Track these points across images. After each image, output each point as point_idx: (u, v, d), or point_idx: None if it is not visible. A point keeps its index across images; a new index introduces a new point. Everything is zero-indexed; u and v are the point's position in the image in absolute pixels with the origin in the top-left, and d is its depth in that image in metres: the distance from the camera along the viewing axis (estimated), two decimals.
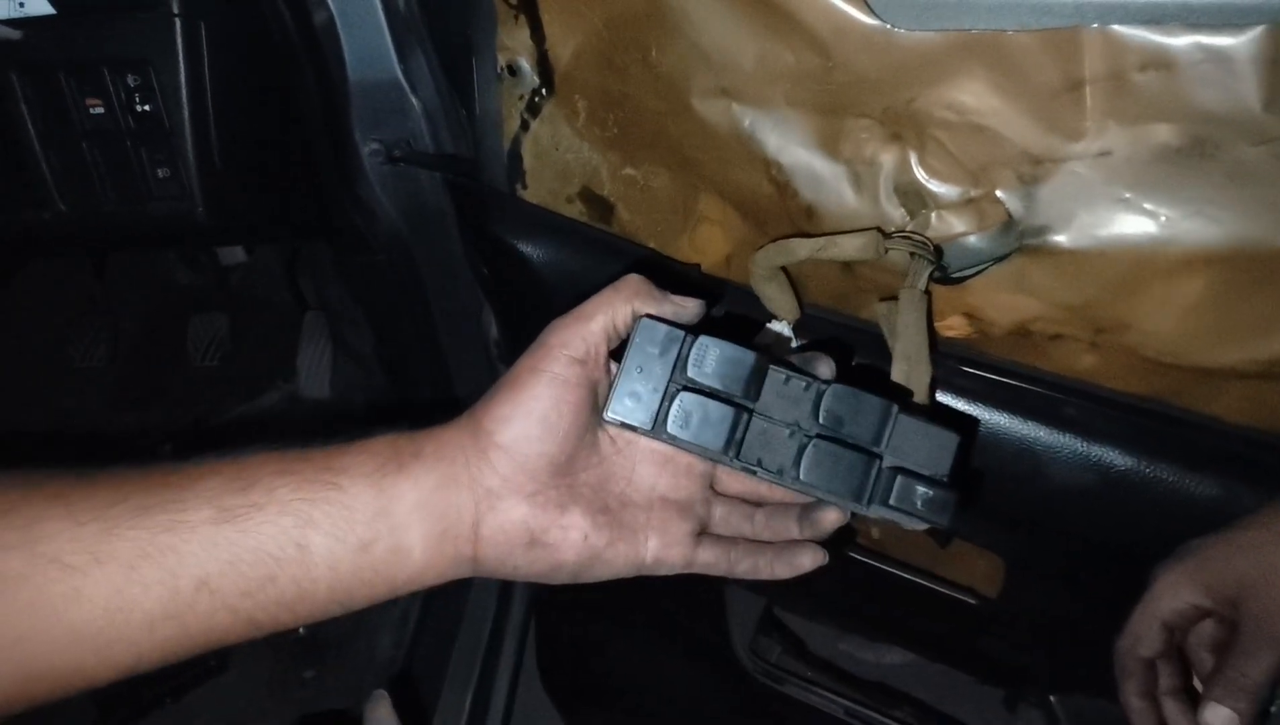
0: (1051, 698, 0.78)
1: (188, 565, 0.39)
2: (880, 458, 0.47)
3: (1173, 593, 0.54)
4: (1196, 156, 0.50)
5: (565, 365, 0.44)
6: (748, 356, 0.46)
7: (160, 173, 0.69)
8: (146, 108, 0.67)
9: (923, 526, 0.47)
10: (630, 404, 0.45)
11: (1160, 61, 0.48)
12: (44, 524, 0.38)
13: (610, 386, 0.46)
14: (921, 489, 0.45)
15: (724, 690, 0.95)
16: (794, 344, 0.62)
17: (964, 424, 0.59)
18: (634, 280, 0.47)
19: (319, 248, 1.24)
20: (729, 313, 0.67)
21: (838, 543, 0.78)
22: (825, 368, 0.49)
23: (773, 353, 0.48)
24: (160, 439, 1.16)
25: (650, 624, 1.06)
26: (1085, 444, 0.62)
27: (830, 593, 0.85)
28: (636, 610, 1.08)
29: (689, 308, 0.48)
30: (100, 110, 0.68)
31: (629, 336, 0.46)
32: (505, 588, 1.23)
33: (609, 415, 0.46)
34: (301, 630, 1.22)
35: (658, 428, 0.45)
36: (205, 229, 0.72)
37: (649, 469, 0.49)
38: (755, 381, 0.46)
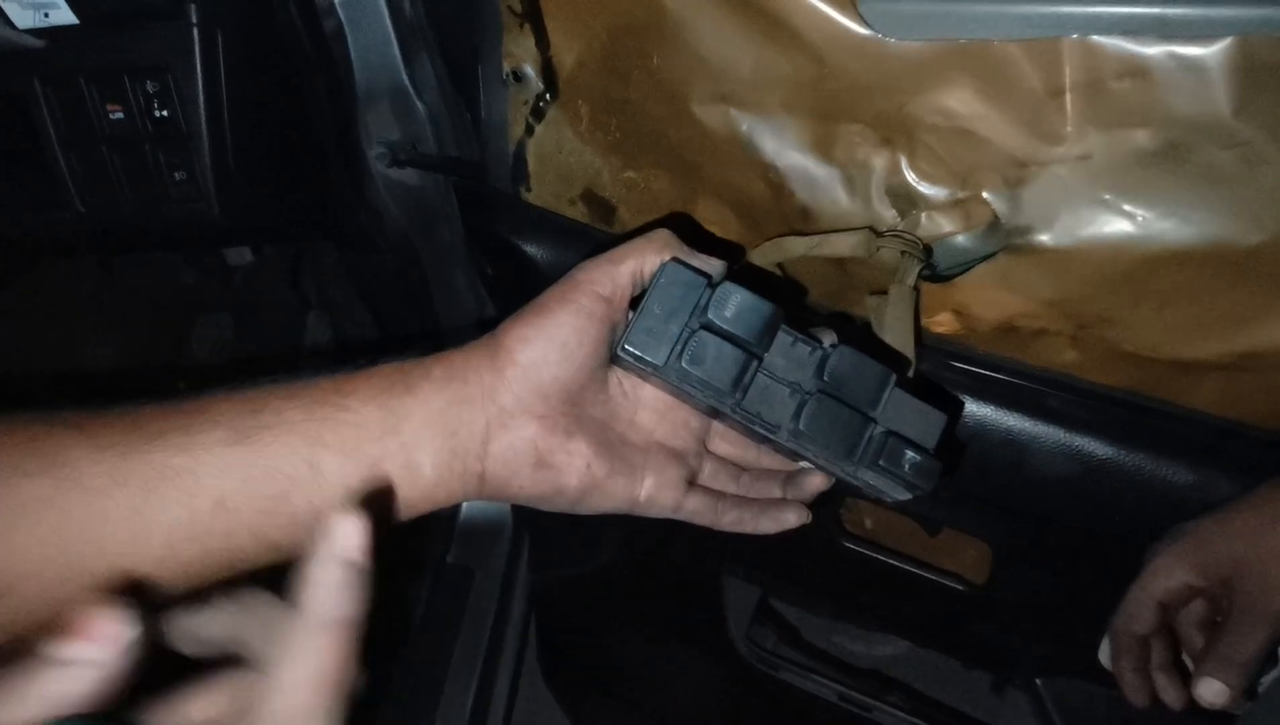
0: (1038, 682, 0.81)
1: (204, 485, 0.41)
2: (874, 422, 0.49)
3: (1167, 572, 0.57)
4: (1171, 160, 0.53)
5: (592, 300, 0.46)
6: (766, 307, 0.47)
7: (177, 176, 0.72)
8: (164, 113, 0.70)
9: (905, 495, 0.49)
10: (647, 340, 0.46)
11: (1136, 70, 0.51)
12: (65, 452, 0.40)
13: (628, 324, 0.47)
14: (910, 454, 0.47)
15: (722, 678, 0.97)
16: None
17: (950, 406, 0.62)
18: (664, 233, 0.49)
19: (322, 248, 1.26)
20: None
21: (831, 533, 0.80)
22: (829, 337, 0.51)
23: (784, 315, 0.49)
24: (175, 376, 1.19)
25: (649, 616, 1.08)
26: (1067, 434, 0.65)
27: (824, 582, 0.88)
28: (635, 603, 1.10)
29: (714, 266, 0.49)
30: (120, 115, 0.70)
31: (653, 279, 0.47)
32: (506, 584, 1.25)
33: (626, 348, 0.46)
34: None
35: (670, 362, 0.46)
36: (220, 230, 0.75)
37: (649, 416, 0.52)
38: (768, 333, 0.48)
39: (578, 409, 0.48)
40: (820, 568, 0.85)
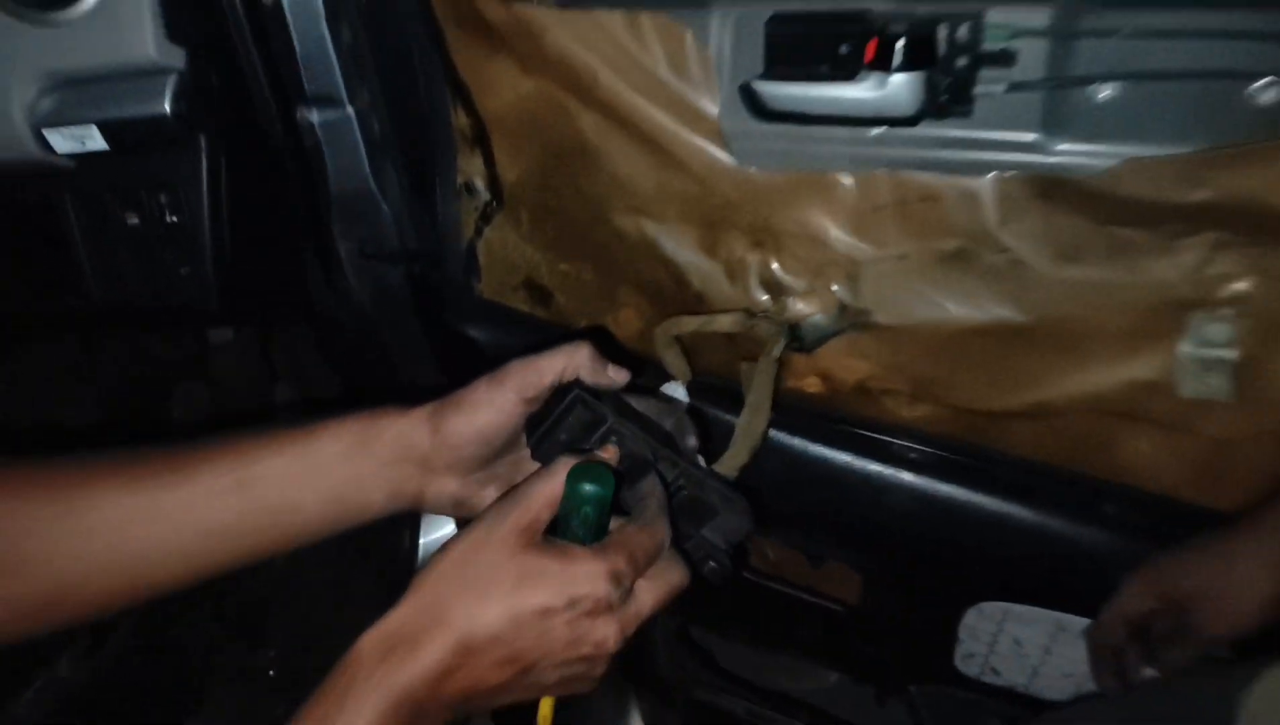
0: (911, 688, 0.96)
1: (211, 518, 0.57)
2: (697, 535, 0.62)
3: (1137, 599, 0.72)
4: (962, 260, 0.70)
5: (514, 403, 0.59)
6: (647, 463, 0.60)
7: (183, 270, 0.86)
8: (175, 219, 0.84)
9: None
10: (550, 454, 0.60)
11: (930, 196, 0.69)
12: (100, 493, 0.56)
13: (541, 429, 0.61)
14: (711, 564, 0.61)
15: (644, 696, 1.10)
16: (685, 399, 0.79)
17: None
18: (586, 352, 0.61)
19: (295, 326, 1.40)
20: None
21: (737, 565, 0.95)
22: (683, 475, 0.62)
23: (660, 447, 0.61)
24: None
25: None
26: (912, 477, 0.81)
27: (731, 608, 1.03)
28: None
29: (619, 380, 0.63)
30: (136, 221, 0.84)
31: (564, 406, 0.60)
32: None
33: (536, 457, 0.61)
34: (272, 671, 1.34)
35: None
36: (217, 315, 0.89)
37: None
38: (642, 475, 0.60)
39: (491, 468, 0.64)
40: (728, 596, 1.00)
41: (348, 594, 1.26)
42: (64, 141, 0.79)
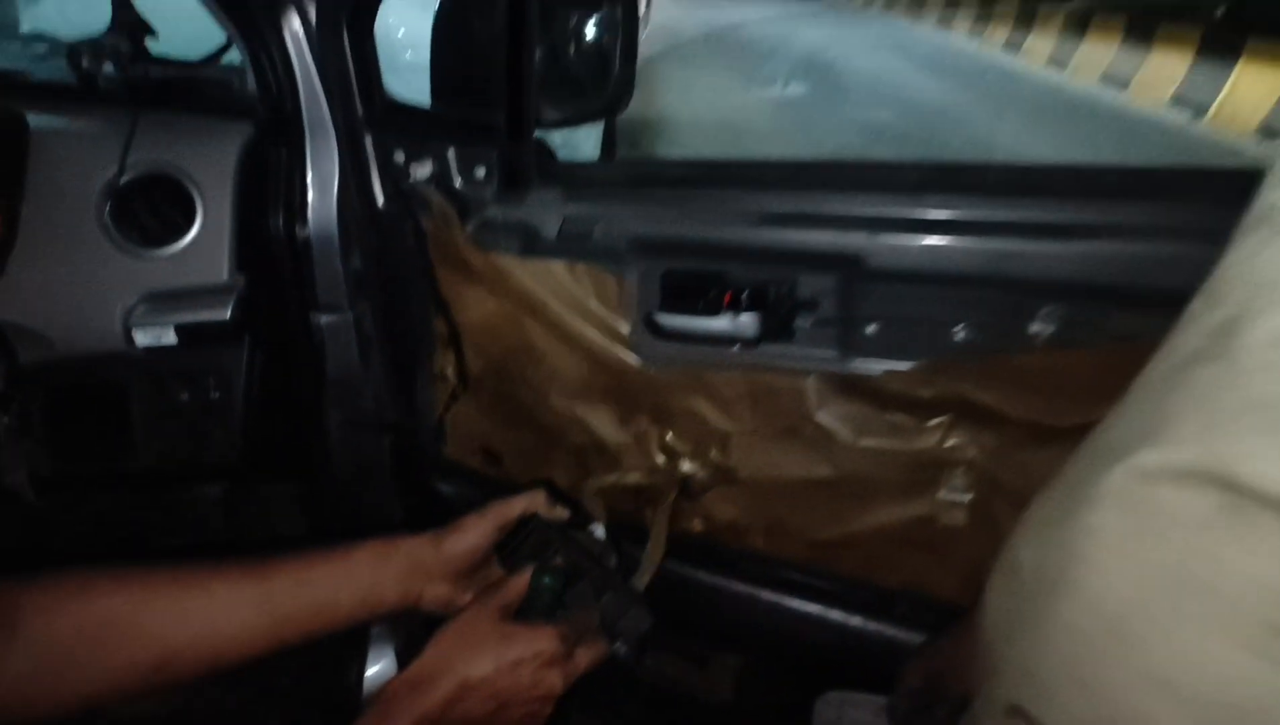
0: None
1: (280, 607, 0.79)
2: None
3: (912, 678, 0.98)
4: (793, 434, 1.03)
5: (493, 529, 0.87)
6: (582, 572, 0.88)
7: (217, 436, 1.12)
8: (217, 395, 1.11)
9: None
10: (517, 564, 0.86)
11: (772, 391, 1.02)
12: (200, 587, 0.78)
13: (509, 547, 0.89)
14: (623, 648, 0.87)
15: None
16: (603, 535, 1.07)
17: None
18: (541, 495, 0.90)
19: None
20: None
21: (639, 675, 1.20)
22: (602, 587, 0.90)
23: (591, 564, 0.89)
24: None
25: None
26: (769, 592, 1.10)
27: (638, 714, 1.27)
28: None
29: (564, 515, 0.92)
30: (186, 397, 1.11)
31: (527, 531, 0.88)
32: None
33: (505, 568, 0.88)
34: None
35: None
36: (238, 473, 1.14)
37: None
38: (576, 581, 0.87)
39: (471, 577, 0.90)
40: (636, 702, 1.24)
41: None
42: (145, 337, 1.06)
